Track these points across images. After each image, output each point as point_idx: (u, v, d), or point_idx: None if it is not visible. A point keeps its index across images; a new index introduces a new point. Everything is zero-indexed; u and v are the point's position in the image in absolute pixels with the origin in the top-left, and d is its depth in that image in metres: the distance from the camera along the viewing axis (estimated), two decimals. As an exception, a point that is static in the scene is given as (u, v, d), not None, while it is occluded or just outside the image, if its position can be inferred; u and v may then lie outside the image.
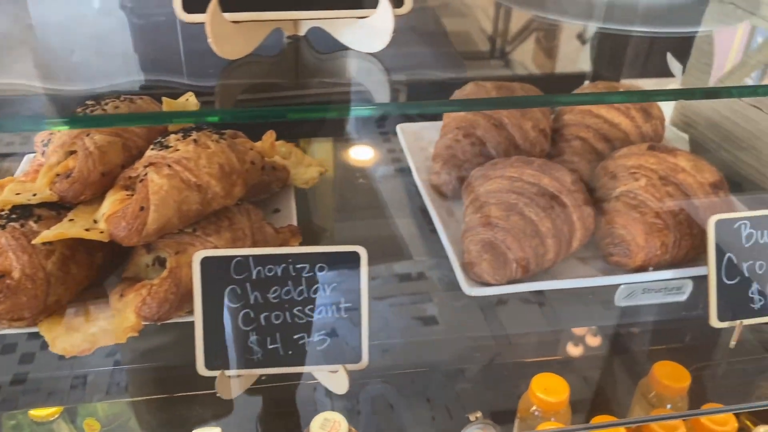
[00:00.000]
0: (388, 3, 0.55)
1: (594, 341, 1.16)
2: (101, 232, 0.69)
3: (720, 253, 0.74)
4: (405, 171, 1.00)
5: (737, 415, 1.00)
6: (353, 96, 0.52)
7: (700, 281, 0.79)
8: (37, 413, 0.92)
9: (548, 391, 0.95)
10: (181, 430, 0.96)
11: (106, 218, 0.70)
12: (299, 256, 0.66)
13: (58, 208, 0.74)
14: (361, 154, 1.21)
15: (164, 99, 0.80)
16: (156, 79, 0.81)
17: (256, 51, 0.52)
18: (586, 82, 1.05)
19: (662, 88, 1.25)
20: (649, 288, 0.87)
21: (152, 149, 0.74)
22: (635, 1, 1.09)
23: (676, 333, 1.07)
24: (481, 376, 1.11)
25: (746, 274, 0.75)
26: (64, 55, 0.90)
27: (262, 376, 0.70)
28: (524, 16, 1.07)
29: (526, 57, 1.12)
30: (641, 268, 0.83)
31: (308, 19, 0.55)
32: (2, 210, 0.72)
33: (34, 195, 0.72)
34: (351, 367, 0.68)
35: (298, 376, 0.86)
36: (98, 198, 0.74)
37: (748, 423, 1.08)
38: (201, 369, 0.66)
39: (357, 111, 0.53)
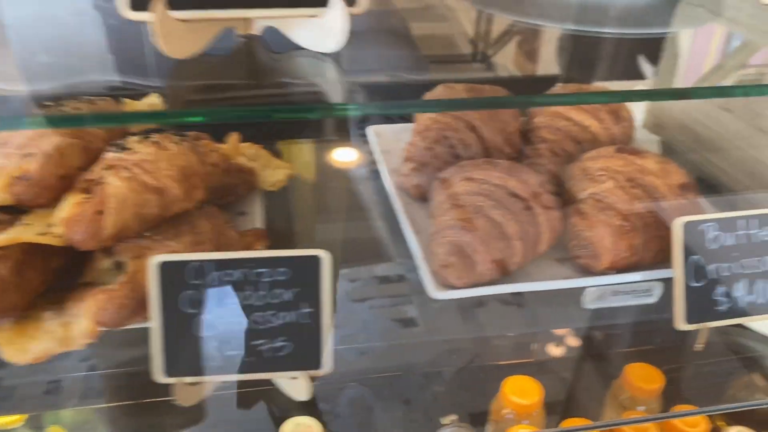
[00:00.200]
0: (341, 2, 0.54)
1: (569, 343, 1.16)
2: (57, 237, 0.68)
3: (686, 255, 0.73)
4: (378, 173, 1.00)
5: (710, 417, 1.00)
6: (310, 97, 0.51)
7: (670, 283, 0.79)
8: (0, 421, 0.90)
9: (520, 393, 0.94)
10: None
11: (62, 222, 0.68)
12: (258, 261, 0.64)
13: (15, 212, 0.73)
14: (334, 156, 1.20)
15: (126, 101, 0.79)
16: (121, 80, 0.80)
17: (210, 50, 0.51)
18: (558, 85, 1.04)
19: (633, 90, 1.25)
20: (618, 290, 0.87)
21: (111, 151, 0.73)
22: (606, 4, 1.09)
23: (650, 334, 1.07)
24: (458, 378, 1.11)
25: (712, 277, 0.75)
26: (29, 56, 0.88)
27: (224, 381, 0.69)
28: (500, 20, 1.07)
29: (499, 60, 1.12)
30: (609, 271, 0.82)
31: (258, 18, 0.54)
32: (-44, 214, 0.70)
33: (-11, 199, 0.70)
34: (313, 373, 0.66)
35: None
36: (56, 201, 0.72)
37: (720, 424, 1.08)
38: (159, 376, 0.65)
39: (342, 111, 0.52)
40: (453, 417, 1.02)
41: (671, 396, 0.97)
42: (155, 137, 0.73)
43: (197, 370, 0.65)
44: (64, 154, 0.73)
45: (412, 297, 0.85)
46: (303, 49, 0.50)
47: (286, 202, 1.03)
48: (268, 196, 1.03)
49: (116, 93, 0.79)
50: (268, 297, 0.65)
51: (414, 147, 0.97)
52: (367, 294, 0.90)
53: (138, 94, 0.79)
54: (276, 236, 0.92)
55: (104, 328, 0.68)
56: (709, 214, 0.74)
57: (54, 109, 0.74)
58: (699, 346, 0.75)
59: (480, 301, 0.90)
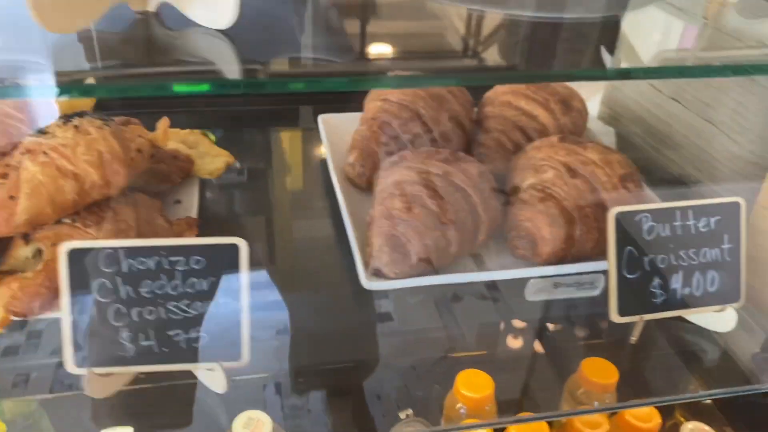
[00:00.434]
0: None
1: (525, 338, 1.15)
2: (-29, 223, 0.65)
3: (621, 246, 0.72)
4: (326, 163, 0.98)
5: (671, 411, 0.99)
6: (207, 75, 0.49)
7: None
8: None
9: (472, 387, 0.93)
10: (95, 428, 0.92)
11: (-26, 208, 0.66)
12: (173, 249, 0.62)
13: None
14: (285, 145, 1.19)
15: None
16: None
17: (105, 27, 0.49)
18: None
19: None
20: (561, 282, 0.86)
21: (31, 135, 0.70)
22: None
23: (607, 328, 1.06)
24: (414, 372, 1.09)
25: (647, 268, 0.73)
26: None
27: (141, 374, 0.67)
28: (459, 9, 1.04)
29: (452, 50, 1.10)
30: (547, 262, 0.81)
31: (149, -8, 0.52)
32: None
33: None
34: (231, 365, 0.65)
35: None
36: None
37: (678, 420, 1.07)
38: (69, 366, 0.63)
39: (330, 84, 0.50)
40: (408, 411, 1.00)
41: (627, 391, 0.95)
42: (76, 121, 0.70)
43: (109, 360, 0.63)
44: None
45: (356, 288, 0.83)
46: (198, 25, 0.48)
47: (227, 191, 1.01)
48: (213, 186, 1.01)
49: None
50: (183, 286, 0.63)
51: (359, 135, 0.95)
52: (304, 285, 0.88)
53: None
54: (212, 226, 0.90)
55: (17, 318, 0.65)
56: (643, 205, 0.72)
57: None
58: (633, 338, 0.74)
59: (438, 292, 0.89)
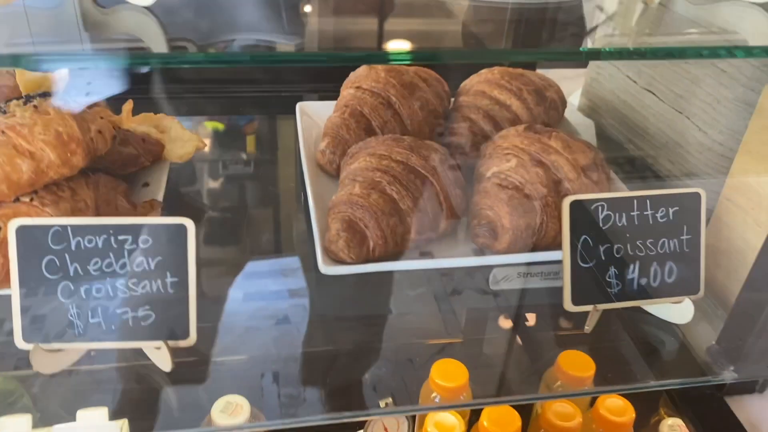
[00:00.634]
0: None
1: (504, 327, 1.14)
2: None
3: (575, 234, 0.72)
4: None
5: (657, 406, 0.98)
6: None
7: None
8: None
9: (447, 377, 0.93)
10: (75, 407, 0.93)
11: (-68, 185, 0.67)
12: (120, 228, 0.63)
13: None
14: (269, 132, 1.19)
15: (17, 71, 0.78)
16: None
17: (33, 3, 0.50)
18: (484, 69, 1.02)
19: (573, 70, 1.23)
20: (525, 272, 0.86)
21: (-9, 115, 0.71)
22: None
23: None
24: (393, 360, 1.09)
25: (603, 258, 0.73)
26: None
27: (91, 351, 0.68)
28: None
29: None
30: (508, 250, 0.81)
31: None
32: None
33: None
34: (179, 343, 0.65)
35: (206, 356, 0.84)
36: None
37: (660, 416, 1.06)
38: (18, 342, 0.64)
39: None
40: (388, 400, 1.01)
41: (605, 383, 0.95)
42: (36, 102, 0.71)
43: (57, 336, 0.64)
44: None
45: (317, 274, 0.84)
46: (125, 2, 0.49)
47: (200, 176, 1.02)
48: (187, 171, 1.02)
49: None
50: (130, 264, 0.64)
51: (330, 122, 0.96)
52: (268, 270, 0.88)
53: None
54: (180, 209, 0.91)
55: (-29, 294, 0.66)
56: (598, 194, 0.72)
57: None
58: (587, 328, 0.74)
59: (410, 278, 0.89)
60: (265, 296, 0.88)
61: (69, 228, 0.63)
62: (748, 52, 0.65)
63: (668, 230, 0.74)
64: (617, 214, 0.72)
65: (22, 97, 0.73)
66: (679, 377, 0.73)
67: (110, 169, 0.83)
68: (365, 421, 0.92)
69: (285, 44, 0.59)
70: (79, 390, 0.92)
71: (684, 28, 0.64)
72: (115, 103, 0.89)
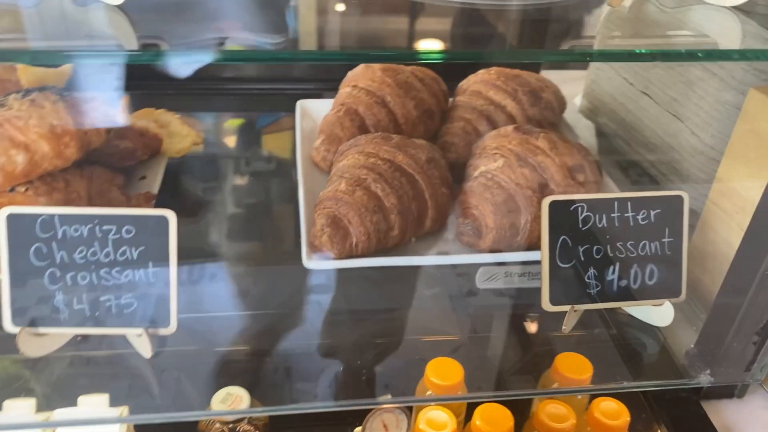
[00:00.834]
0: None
1: (500, 327, 1.15)
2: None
3: (554, 235, 0.72)
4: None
5: (634, 408, 0.97)
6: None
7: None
8: None
9: (442, 375, 0.93)
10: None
11: (-69, 173, 0.70)
12: (105, 218, 0.65)
13: None
14: (266, 130, 1.21)
15: (20, 66, 0.81)
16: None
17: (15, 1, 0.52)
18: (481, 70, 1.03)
19: (580, 72, 1.23)
20: (512, 272, 0.86)
21: (-9, 108, 0.74)
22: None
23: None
24: (392, 356, 1.10)
25: (582, 258, 0.73)
26: None
27: (77, 336, 0.71)
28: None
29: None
30: (492, 249, 0.81)
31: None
32: None
33: None
34: (159, 331, 0.67)
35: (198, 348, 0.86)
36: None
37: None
38: (7, 325, 0.66)
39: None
40: (387, 397, 1.02)
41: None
42: (33, 96, 0.74)
43: (43, 321, 0.66)
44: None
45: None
46: (100, 1, 0.51)
47: (199, 171, 1.05)
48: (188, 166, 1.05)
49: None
50: (114, 254, 0.66)
51: (326, 120, 0.97)
52: (254, 262, 0.90)
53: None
54: (175, 202, 0.94)
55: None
56: (578, 195, 0.72)
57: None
58: (565, 328, 0.74)
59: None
60: (255, 289, 0.90)
61: (56, 217, 0.65)
62: (743, 55, 0.65)
63: (650, 232, 0.74)
64: (597, 216, 0.73)
65: (20, 91, 0.76)
66: (657, 379, 0.73)
67: (107, 162, 0.85)
68: (364, 418, 0.93)
69: (267, 43, 0.61)
70: (82, 376, 0.95)
71: (661, 31, 0.64)
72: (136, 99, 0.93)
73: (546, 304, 0.73)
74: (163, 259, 0.66)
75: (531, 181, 0.81)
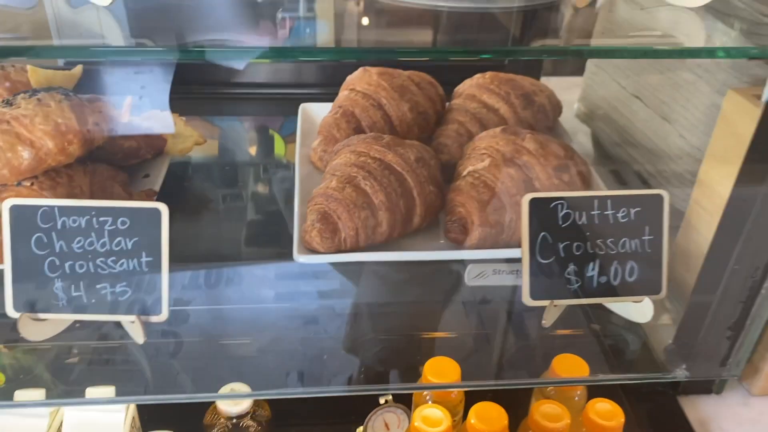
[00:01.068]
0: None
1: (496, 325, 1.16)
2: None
3: (534, 231, 0.74)
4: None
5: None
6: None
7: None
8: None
9: (439, 375, 0.95)
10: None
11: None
12: (101, 210, 0.69)
13: None
14: (270, 132, 1.25)
15: (30, 68, 0.85)
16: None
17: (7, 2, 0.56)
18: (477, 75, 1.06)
19: (569, 79, 1.25)
20: (499, 270, 0.88)
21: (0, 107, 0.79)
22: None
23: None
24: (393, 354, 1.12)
25: (562, 255, 0.75)
26: None
27: (76, 323, 0.74)
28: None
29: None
30: (478, 246, 0.84)
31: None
32: None
33: None
34: (151, 318, 0.71)
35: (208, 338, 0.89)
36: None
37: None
38: (9, 311, 0.70)
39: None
40: (388, 397, 1.04)
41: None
42: (40, 95, 0.78)
43: (43, 307, 0.70)
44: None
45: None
46: (90, 2, 0.54)
47: (204, 170, 1.08)
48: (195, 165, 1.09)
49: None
50: (110, 244, 0.70)
51: (324, 122, 1.01)
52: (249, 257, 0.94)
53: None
54: (177, 199, 0.97)
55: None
56: (558, 192, 0.74)
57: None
58: (545, 323, 0.76)
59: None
60: (249, 284, 0.93)
61: (56, 208, 0.69)
62: (727, 52, 0.66)
63: (630, 230, 0.76)
64: (577, 213, 0.75)
65: (28, 91, 0.80)
66: (635, 373, 0.74)
67: (112, 160, 0.89)
68: (365, 417, 0.95)
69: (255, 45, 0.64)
70: (89, 368, 0.98)
71: (631, 31, 0.66)
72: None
73: (526, 299, 0.75)
74: (155, 250, 0.70)
75: (517, 180, 0.84)
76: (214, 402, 0.78)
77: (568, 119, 1.16)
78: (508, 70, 1.07)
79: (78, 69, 0.94)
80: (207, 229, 0.99)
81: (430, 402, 0.98)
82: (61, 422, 0.77)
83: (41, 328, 0.72)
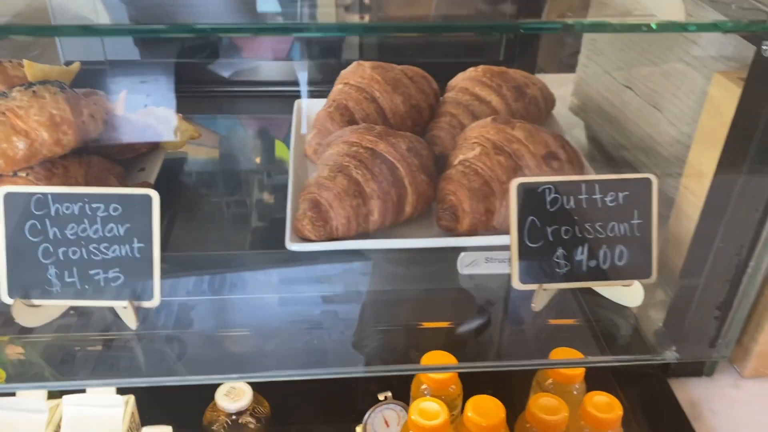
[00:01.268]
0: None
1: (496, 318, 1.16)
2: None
3: (523, 215, 0.75)
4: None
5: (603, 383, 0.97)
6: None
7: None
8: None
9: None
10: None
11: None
12: (94, 196, 0.70)
13: None
14: (266, 128, 1.26)
15: (26, 62, 0.87)
16: None
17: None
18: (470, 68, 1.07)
19: (565, 76, 1.26)
20: (492, 258, 0.89)
21: (-3, 99, 0.80)
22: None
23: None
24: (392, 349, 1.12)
25: (551, 239, 0.76)
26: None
27: (70, 309, 0.75)
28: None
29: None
30: (469, 233, 0.84)
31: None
32: None
33: None
34: (143, 304, 0.72)
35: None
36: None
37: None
38: (4, 297, 0.71)
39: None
40: (387, 394, 1.04)
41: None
42: (36, 88, 0.80)
43: (37, 293, 0.71)
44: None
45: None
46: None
47: (195, 163, 1.10)
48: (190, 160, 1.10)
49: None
50: (102, 230, 0.71)
51: (318, 116, 1.02)
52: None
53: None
54: (173, 192, 0.99)
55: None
56: (546, 177, 0.75)
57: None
58: (534, 306, 0.76)
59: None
60: (244, 275, 0.94)
61: (49, 196, 0.70)
62: (699, 27, 0.65)
63: (618, 214, 0.76)
64: (565, 198, 0.75)
65: (24, 84, 0.81)
66: (626, 355, 0.75)
67: (108, 153, 0.91)
68: (364, 414, 0.95)
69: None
70: (89, 364, 0.99)
71: (611, 11, 0.67)
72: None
73: (516, 283, 0.76)
74: (147, 236, 0.71)
75: (506, 168, 0.84)
76: (213, 399, 0.79)
77: (563, 114, 1.17)
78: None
79: (75, 66, 0.95)
80: (203, 223, 1.00)
81: (427, 394, 0.98)
82: (61, 417, 0.78)
83: (35, 313, 0.72)
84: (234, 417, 0.79)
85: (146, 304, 0.72)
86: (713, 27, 0.56)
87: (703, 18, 0.56)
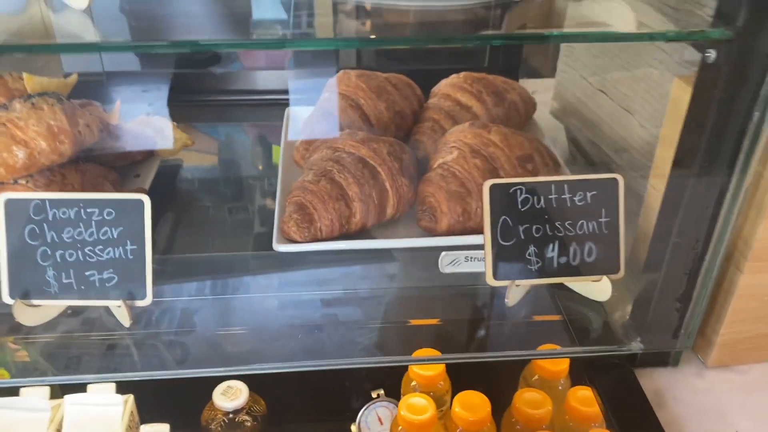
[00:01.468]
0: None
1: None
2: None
3: (495, 215, 0.78)
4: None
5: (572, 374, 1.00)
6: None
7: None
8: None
9: (425, 365, 0.99)
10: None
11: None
12: (89, 202, 0.74)
13: None
14: (258, 136, 1.31)
15: (25, 75, 0.91)
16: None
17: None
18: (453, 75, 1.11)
19: (547, 81, 1.30)
20: (472, 257, 0.93)
21: (-2, 111, 0.84)
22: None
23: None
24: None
25: (522, 237, 0.79)
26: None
27: (68, 309, 0.79)
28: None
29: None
30: (447, 233, 0.88)
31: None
32: None
33: None
34: (136, 303, 0.76)
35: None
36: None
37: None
38: (5, 297, 0.76)
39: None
40: (380, 391, 1.07)
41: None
42: (35, 99, 0.84)
43: (36, 294, 0.75)
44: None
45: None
46: (70, 8, 0.59)
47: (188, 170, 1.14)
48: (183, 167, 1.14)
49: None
50: (97, 233, 0.75)
51: (305, 122, 1.06)
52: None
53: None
54: (166, 199, 1.03)
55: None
56: (517, 178, 0.79)
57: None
58: (508, 302, 0.80)
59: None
60: (235, 276, 0.98)
61: (47, 201, 0.74)
62: (650, 36, 0.69)
63: (587, 213, 0.80)
64: (535, 197, 0.79)
65: (23, 96, 0.86)
66: (594, 346, 0.79)
67: (104, 161, 0.95)
68: (358, 413, 0.98)
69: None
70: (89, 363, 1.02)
71: (578, 21, 0.71)
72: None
73: (490, 279, 0.80)
74: (140, 239, 0.75)
75: (483, 170, 0.88)
76: (211, 398, 0.82)
77: (546, 117, 1.21)
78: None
79: (73, 78, 0.99)
80: (196, 227, 1.04)
81: (417, 391, 1.02)
82: (63, 416, 0.81)
83: (35, 313, 0.77)
84: (231, 415, 0.82)
85: (139, 303, 0.76)
86: (661, 36, 0.60)
87: (648, 28, 0.61)
